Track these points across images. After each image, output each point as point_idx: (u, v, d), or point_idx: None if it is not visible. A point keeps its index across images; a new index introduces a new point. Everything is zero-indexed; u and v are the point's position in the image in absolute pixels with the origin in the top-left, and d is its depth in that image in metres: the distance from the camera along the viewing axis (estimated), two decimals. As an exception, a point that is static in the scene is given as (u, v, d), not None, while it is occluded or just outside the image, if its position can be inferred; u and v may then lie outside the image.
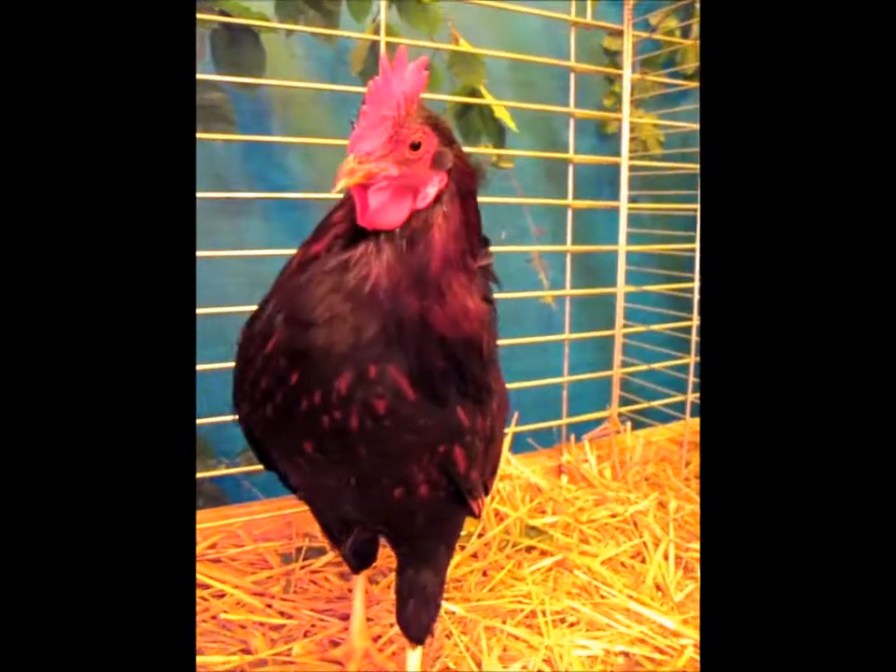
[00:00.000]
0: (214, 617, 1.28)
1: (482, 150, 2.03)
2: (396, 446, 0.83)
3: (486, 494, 1.02)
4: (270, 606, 1.32)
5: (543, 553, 1.52)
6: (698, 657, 1.19)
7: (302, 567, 1.46)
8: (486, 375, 0.88)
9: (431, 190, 0.81)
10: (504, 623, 1.27)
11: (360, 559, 1.17)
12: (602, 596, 1.38)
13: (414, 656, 1.05)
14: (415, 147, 0.79)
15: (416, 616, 1.01)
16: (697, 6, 2.33)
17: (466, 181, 0.84)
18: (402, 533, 0.99)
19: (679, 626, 1.28)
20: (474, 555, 1.52)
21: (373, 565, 1.22)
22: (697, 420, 1.25)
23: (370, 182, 0.77)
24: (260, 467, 1.46)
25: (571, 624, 1.30)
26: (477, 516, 1.00)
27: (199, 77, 1.68)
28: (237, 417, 0.94)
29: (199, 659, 1.16)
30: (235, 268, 1.75)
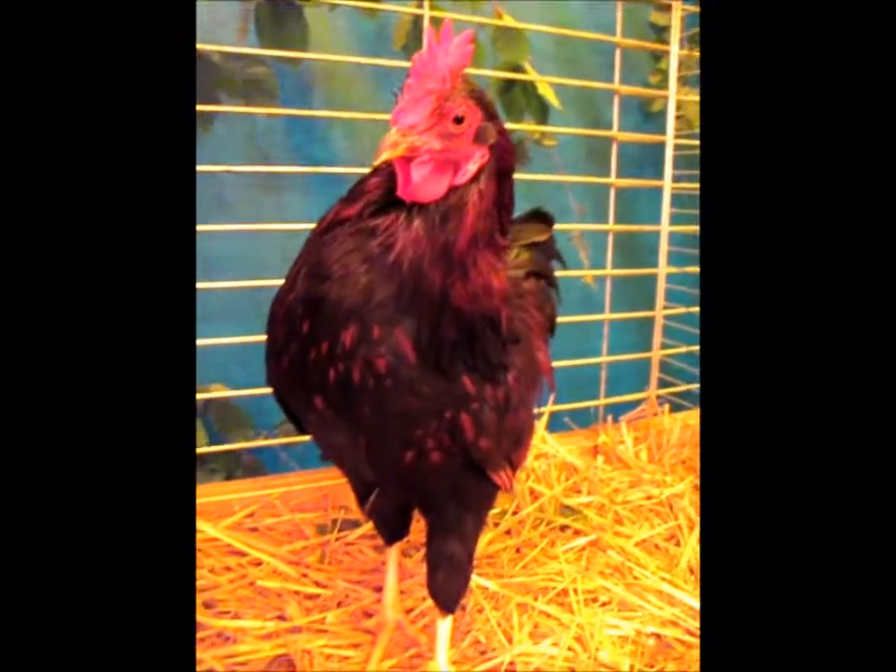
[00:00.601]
0: (251, 584, 1.30)
1: (524, 128, 2.02)
2: (397, 407, 0.83)
3: (512, 468, 1.03)
4: (305, 575, 1.34)
5: (577, 533, 1.52)
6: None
7: (337, 539, 1.48)
8: (501, 352, 0.89)
9: (472, 167, 0.81)
10: (536, 599, 1.27)
11: (391, 530, 1.18)
12: (635, 577, 1.38)
13: (444, 625, 1.07)
14: (459, 120, 0.78)
15: (445, 585, 1.03)
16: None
17: (506, 158, 0.84)
18: (424, 500, 1.02)
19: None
20: (508, 532, 1.53)
21: (407, 539, 1.23)
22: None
23: (413, 155, 0.77)
24: (298, 439, 1.49)
25: (603, 604, 1.30)
26: (507, 489, 1.01)
27: (243, 50, 1.69)
28: (267, 378, 0.96)
29: (236, 623, 1.18)
30: (276, 242, 1.76)
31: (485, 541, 1.45)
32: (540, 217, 1.36)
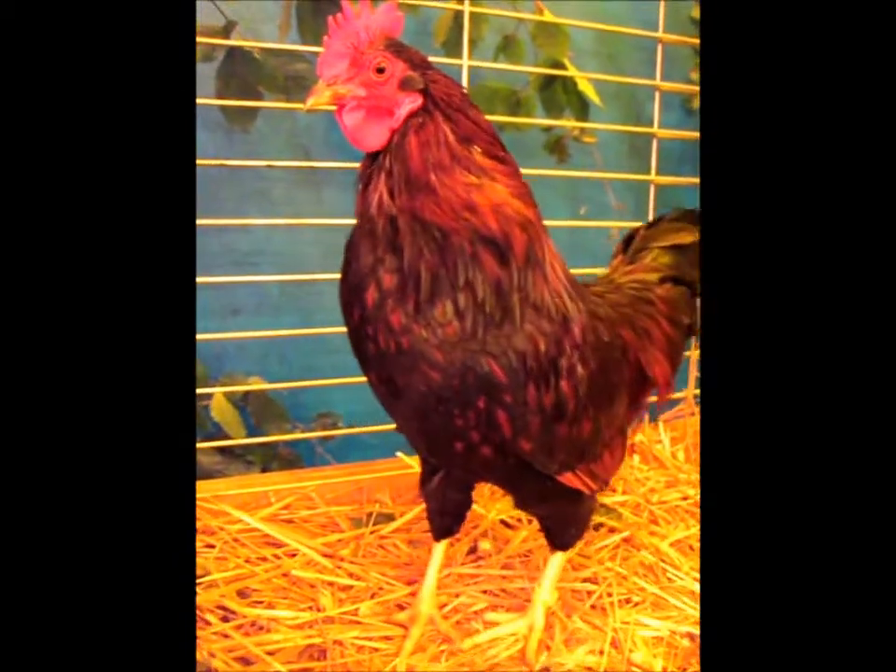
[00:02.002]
0: (285, 574, 1.32)
1: (564, 123, 2.01)
2: (423, 381, 0.88)
3: (591, 477, 1.07)
4: (339, 567, 1.35)
5: (612, 531, 1.51)
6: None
7: (371, 532, 1.48)
8: (518, 288, 0.88)
9: (403, 111, 0.88)
10: (569, 617, 1.24)
11: (444, 522, 1.22)
12: (669, 579, 1.36)
13: (554, 559, 1.20)
14: (381, 70, 0.87)
15: (549, 535, 1.18)
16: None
17: (447, 99, 0.89)
18: (497, 485, 1.17)
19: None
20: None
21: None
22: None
23: (340, 103, 0.88)
24: (335, 432, 1.50)
25: (636, 604, 1.29)
26: (589, 491, 1.08)
27: (285, 46, 1.70)
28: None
29: (270, 612, 1.19)
30: (315, 237, 1.78)
31: (520, 539, 1.45)
32: (689, 219, 1.35)
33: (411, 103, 0.88)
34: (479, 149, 0.90)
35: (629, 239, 1.39)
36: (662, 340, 1.21)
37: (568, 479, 1.04)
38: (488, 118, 1.79)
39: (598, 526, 1.53)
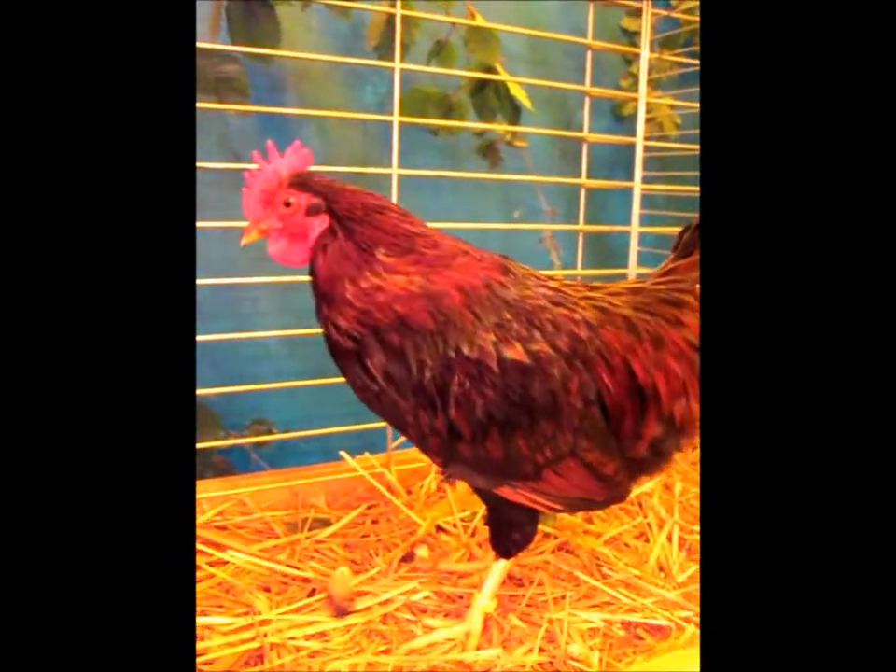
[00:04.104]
0: (219, 583, 1.30)
1: (496, 127, 2.03)
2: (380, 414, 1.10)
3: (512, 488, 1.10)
4: (275, 572, 1.34)
5: (546, 536, 1.52)
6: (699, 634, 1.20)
7: (307, 538, 1.47)
8: (398, 370, 1.02)
9: (314, 233, 1.06)
10: (505, 617, 1.25)
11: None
12: (604, 575, 1.39)
13: (497, 565, 1.22)
14: (287, 204, 1.05)
15: (493, 539, 1.22)
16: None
17: (348, 214, 1.04)
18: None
19: (679, 598, 1.29)
20: (473, 535, 1.53)
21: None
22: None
23: (265, 236, 1.08)
24: (268, 438, 1.49)
25: (572, 599, 1.30)
26: (550, 509, 1.14)
27: (215, 47, 1.68)
28: None
29: (202, 620, 1.18)
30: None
31: (456, 557, 1.45)
32: None
33: (320, 224, 1.06)
34: (383, 251, 1.04)
35: (682, 233, 1.28)
36: (681, 344, 1.14)
37: (508, 493, 1.09)
38: (421, 121, 1.80)
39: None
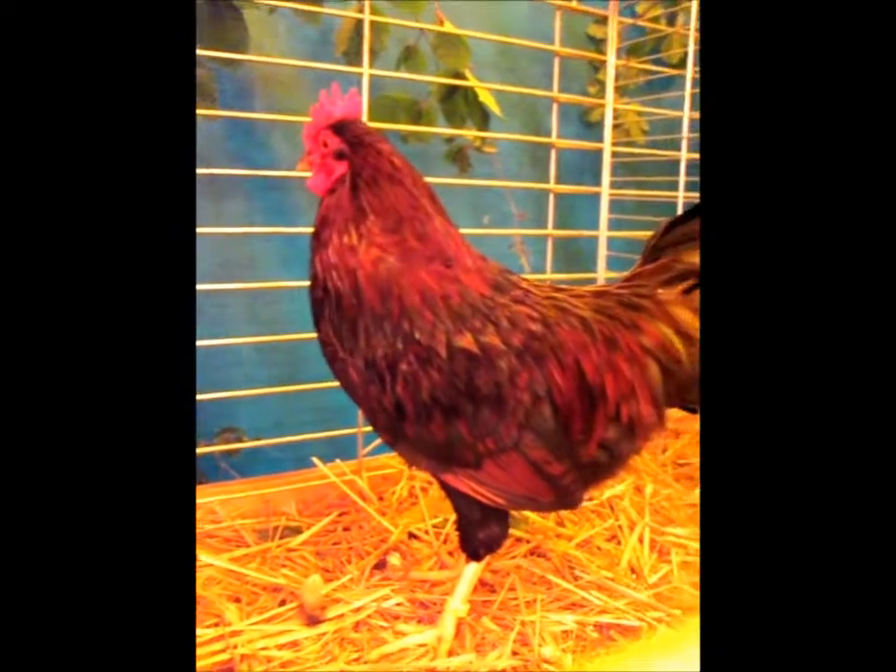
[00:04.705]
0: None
1: (465, 133, 2.03)
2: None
3: (454, 474, 1.12)
4: (245, 581, 1.32)
5: (518, 540, 1.53)
6: (671, 635, 1.21)
7: (279, 546, 1.46)
8: (350, 338, 1.08)
9: (334, 175, 1.14)
10: (478, 620, 1.26)
11: None
12: (576, 578, 1.39)
13: (469, 568, 1.22)
14: (325, 145, 1.14)
15: (461, 539, 1.23)
16: (683, -5, 2.34)
17: (360, 172, 1.11)
18: None
19: (651, 599, 1.30)
20: (445, 542, 1.53)
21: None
22: (674, 409, 1.26)
23: (310, 168, 1.16)
24: (238, 446, 1.48)
25: (545, 602, 1.31)
26: (493, 502, 1.13)
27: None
28: None
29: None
30: (213, 246, 1.74)
31: (428, 565, 1.44)
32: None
33: (339, 169, 1.13)
34: (373, 219, 1.09)
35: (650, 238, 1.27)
36: (634, 348, 1.14)
37: (451, 480, 1.12)
38: (390, 127, 1.80)
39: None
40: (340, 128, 1.14)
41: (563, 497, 1.14)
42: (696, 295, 1.17)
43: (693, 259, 1.17)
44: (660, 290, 1.19)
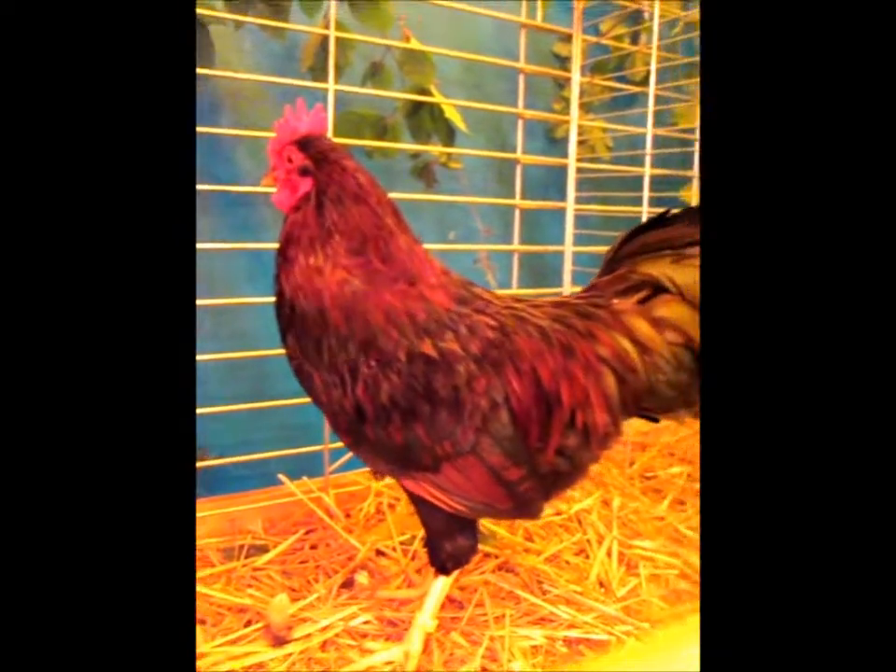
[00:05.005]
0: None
1: (431, 149, 2.04)
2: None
3: (414, 480, 1.13)
4: (210, 602, 1.30)
5: (487, 556, 1.52)
6: (640, 648, 1.21)
7: (244, 566, 1.44)
8: (315, 354, 1.09)
9: (299, 192, 1.14)
10: (447, 636, 1.25)
11: None
12: (544, 592, 1.39)
13: (437, 583, 1.22)
14: (290, 160, 1.14)
15: (429, 551, 1.22)
16: (646, 14, 2.38)
17: (326, 189, 1.11)
18: None
19: (619, 613, 1.30)
20: (413, 559, 1.52)
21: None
22: (641, 421, 1.27)
23: (274, 183, 1.16)
24: (202, 464, 1.47)
25: (514, 617, 1.30)
26: (453, 509, 1.13)
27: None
28: None
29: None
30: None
31: (396, 583, 1.43)
32: (686, 218, 1.20)
33: (304, 187, 1.13)
34: (338, 239, 1.10)
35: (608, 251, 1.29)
36: (589, 356, 1.15)
37: (411, 485, 1.12)
38: (356, 142, 1.80)
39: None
40: (304, 144, 1.14)
41: (521, 506, 1.14)
42: (652, 305, 1.18)
43: (649, 269, 1.18)
44: (615, 300, 1.20)
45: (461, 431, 1.08)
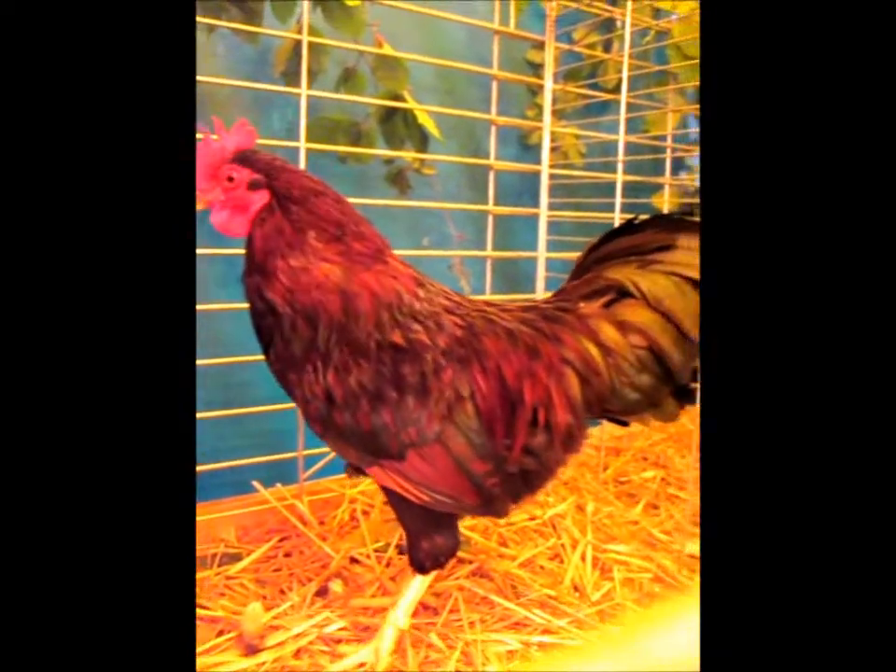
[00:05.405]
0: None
1: (405, 155, 2.04)
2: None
3: (381, 467, 1.13)
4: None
5: (461, 561, 1.52)
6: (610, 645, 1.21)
7: (217, 574, 1.43)
8: (323, 344, 1.10)
9: (254, 207, 1.13)
10: (421, 640, 1.25)
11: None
12: (518, 596, 1.39)
13: (414, 582, 1.22)
14: (230, 179, 1.12)
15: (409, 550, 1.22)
16: (618, 22, 2.40)
17: (287, 193, 1.11)
18: None
19: (588, 619, 1.31)
20: (388, 565, 1.51)
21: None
22: (613, 426, 1.28)
23: (209, 207, 1.13)
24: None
25: (489, 622, 1.30)
26: (419, 500, 1.13)
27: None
28: None
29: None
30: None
31: (371, 591, 1.42)
32: (658, 224, 1.23)
33: (260, 200, 1.12)
34: (313, 234, 1.11)
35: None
36: (553, 358, 1.17)
37: (376, 473, 1.14)
38: (328, 148, 1.80)
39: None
40: (244, 159, 1.13)
41: (488, 502, 1.15)
42: (616, 309, 1.20)
43: (615, 274, 1.21)
44: (582, 304, 1.23)
45: (427, 418, 1.10)
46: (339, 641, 1.24)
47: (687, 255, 1.18)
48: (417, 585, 1.21)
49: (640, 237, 1.22)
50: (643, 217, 1.24)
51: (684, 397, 1.24)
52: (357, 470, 1.22)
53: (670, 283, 1.18)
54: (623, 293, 1.21)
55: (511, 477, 1.16)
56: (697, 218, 1.19)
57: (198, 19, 1.58)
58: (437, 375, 1.11)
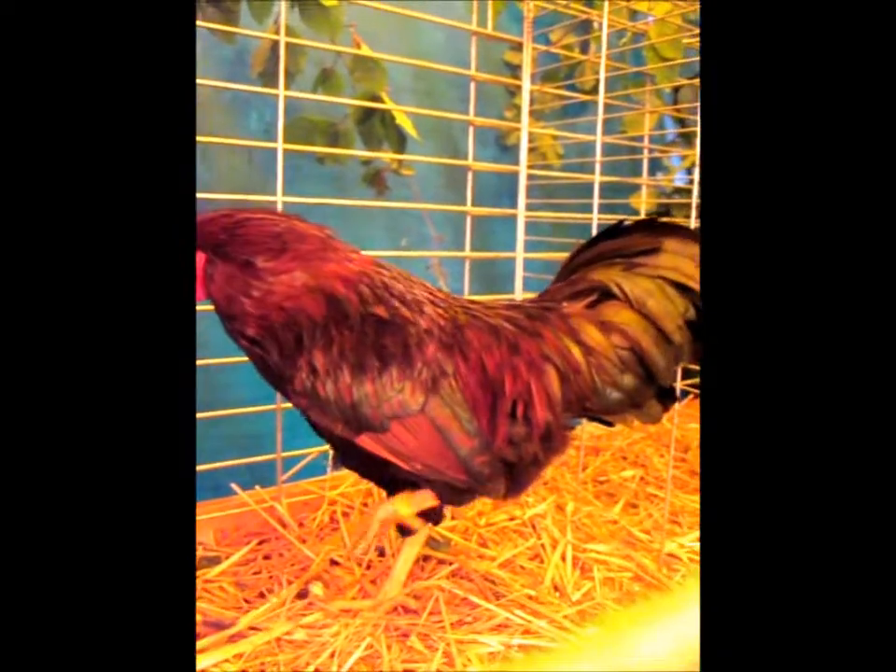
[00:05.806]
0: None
1: (382, 156, 2.04)
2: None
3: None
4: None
5: (441, 562, 1.52)
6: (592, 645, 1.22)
7: (196, 577, 1.41)
8: (291, 355, 1.13)
9: (199, 269, 1.14)
10: (402, 641, 1.25)
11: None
12: (498, 597, 1.39)
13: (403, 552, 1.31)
14: None
15: None
16: (595, 24, 2.41)
17: (213, 242, 1.12)
18: None
19: (564, 621, 1.31)
20: (369, 567, 1.50)
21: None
22: (594, 425, 1.29)
23: None
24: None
25: (468, 623, 1.30)
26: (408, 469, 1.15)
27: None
28: None
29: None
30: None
31: (351, 593, 1.41)
32: (644, 228, 1.25)
33: (198, 262, 1.14)
34: (261, 259, 1.12)
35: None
36: (534, 354, 1.19)
37: (366, 443, 1.14)
38: (306, 149, 1.79)
39: (426, 558, 1.53)
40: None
41: (478, 481, 1.16)
42: (600, 309, 1.22)
43: (599, 276, 1.23)
44: (565, 304, 1.25)
45: (410, 389, 1.12)
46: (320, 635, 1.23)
47: (672, 258, 1.20)
48: (406, 554, 1.30)
49: (627, 240, 1.24)
50: (631, 219, 1.26)
51: (668, 399, 1.25)
52: (341, 464, 1.25)
53: (654, 285, 1.19)
54: (606, 294, 1.22)
55: (502, 464, 1.18)
56: (684, 222, 1.21)
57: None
58: (420, 348, 1.13)
